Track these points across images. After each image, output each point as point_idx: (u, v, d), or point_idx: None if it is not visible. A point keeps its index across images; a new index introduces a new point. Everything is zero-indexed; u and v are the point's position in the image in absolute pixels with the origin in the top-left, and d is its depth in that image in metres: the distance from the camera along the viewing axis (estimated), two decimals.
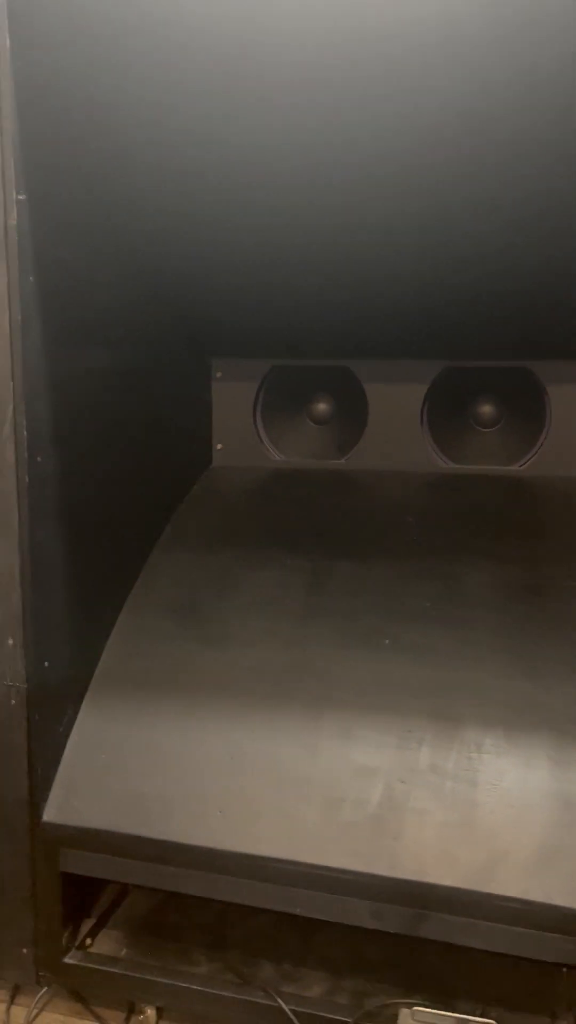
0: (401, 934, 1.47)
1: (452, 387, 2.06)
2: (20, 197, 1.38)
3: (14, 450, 1.45)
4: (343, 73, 1.33)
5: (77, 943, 1.65)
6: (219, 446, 2.24)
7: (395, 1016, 1.42)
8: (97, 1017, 1.61)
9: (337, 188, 1.56)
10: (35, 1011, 1.61)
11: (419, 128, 1.41)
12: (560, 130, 1.38)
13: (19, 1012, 1.62)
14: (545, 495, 1.96)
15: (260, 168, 1.53)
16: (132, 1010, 1.60)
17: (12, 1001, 1.64)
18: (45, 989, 1.63)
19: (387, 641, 1.64)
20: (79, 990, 1.63)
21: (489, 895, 1.35)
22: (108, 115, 1.43)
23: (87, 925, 1.70)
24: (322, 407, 2.20)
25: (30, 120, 1.37)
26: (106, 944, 1.69)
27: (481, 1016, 1.39)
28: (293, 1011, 1.47)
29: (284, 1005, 1.48)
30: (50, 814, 1.56)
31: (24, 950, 1.60)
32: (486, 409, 2.07)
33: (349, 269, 1.80)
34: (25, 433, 1.44)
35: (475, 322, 1.90)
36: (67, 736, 1.62)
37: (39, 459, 1.49)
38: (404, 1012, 1.40)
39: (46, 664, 1.55)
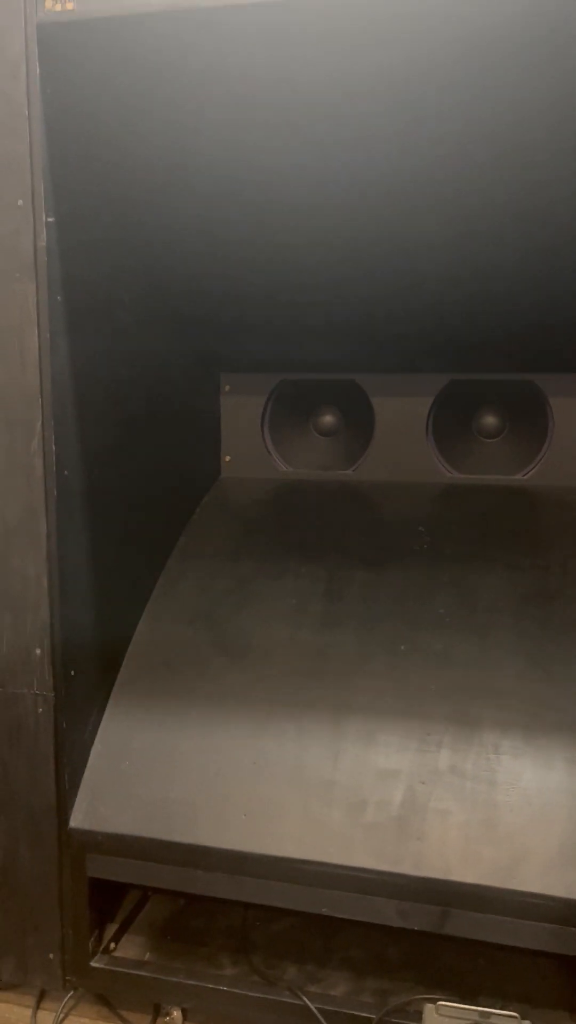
0: (422, 933, 1.52)
1: (457, 399, 2.12)
2: (49, 219, 1.42)
3: (43, 464, 1.48)
4: (350, 109, 1.38)
5: (102, 948, 1.67)
6: (228, 458, 2.28)
7: (419, 1012, 1.46)
8: (124, 1020, 1.63)
9: (345, 211, 1.61)
10: (62, 1015, 1.63)
11: (423, 154, 1.46)
12: (559, 156, 1.43)
13: (45, 1017, 1.65)
14: (548, 504, 2.01)
15: (271, 193, 1.58)
16: (158, 1012, 1.63)
17: (38, 1006, 1.66)
18: (71, 993, 1.65)
19: (404, 647, 1.69)
20: (105, 994, 1.66)
21: (512, 891, 1.39)
22: (133, 142, 1.48)
23: (111, 930, 1.73)
24: (329, 419, 2.25)
25: (58, 147, 1.41)
26: (130, 949, 1.71)
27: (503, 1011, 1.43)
28: (319, 1009, 1.51)
29: (310, 1004, 1.51)
30: (77, 820, 1.59)
31: (51, 955, 1.63)
32: (490, 420, 2.12)
33: (356, 286, 1.85)
34: (54, 447, 1.48)
35: (479, 336, 1.96)
36: (92, 743, 1.65)
37: (66, 473, 1.53)
38: (428, 1007, 1.44)
39: (72, 673, 1.58)
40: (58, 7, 1.33)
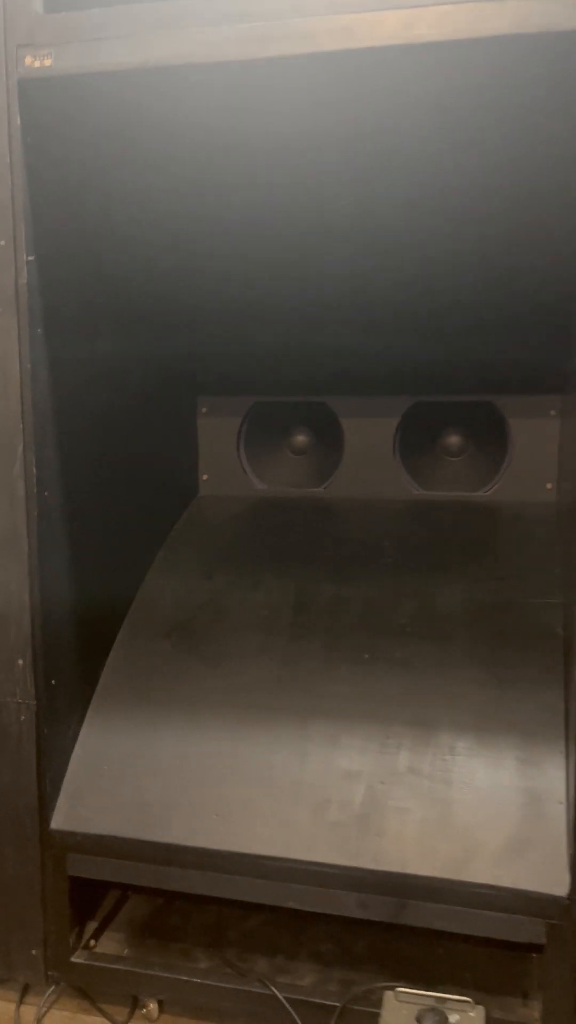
0: (385, 927, 1.61)
1: (421, 420, 2.23)
2: (30, 258, 1.52)
3: (24, 486, 1.58)
4: (312, 155, 1.49)
5: (83, 944, 1.76)
6: (205, 477, 2.38)
7: (380, 999, 1.55)
8: (103, 1012, 1.72)
9: (311, 249, 1.73)
10: (44, 1009, 1.72)
11: (384, 196, 1.58)
12: (512, 203, 1.55)
13: (28, 1011, 1.73)
14: (508, 519, 2.12)
15: (240, 230, 1.69)
16: (135, 1005, 1.71)
17: (22, 1000, 1.75)
18: (53, 988, 1.74)
19: (368, 656, 1.79)
20: (86, 988, 1.74)
21: (464, 883, 1.49)
22: (107, 186, 1.59)
23: (91, 928, 1.81)
24: (301, 439, 2.35)
25: (38, 191, 1.52)
26: (109, 945, 1.80)
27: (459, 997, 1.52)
28: (287, 998, 1.60)
29: (278, 993, 1.60)
30: (58, 822, 1.68)
31: (33, 951, 1.71)
32: (453, 440, 2.24)
33: (324, 317, 1.97)
34: (34, 470, 1.58)
35: (442, 360, 2.07)
36: (72, 749, 1.74)
37: (46, 494, 1.62)
38: (388, 994, 1.53)
39: (53, 682, 1.67)
40: (37, 64, 1.44)
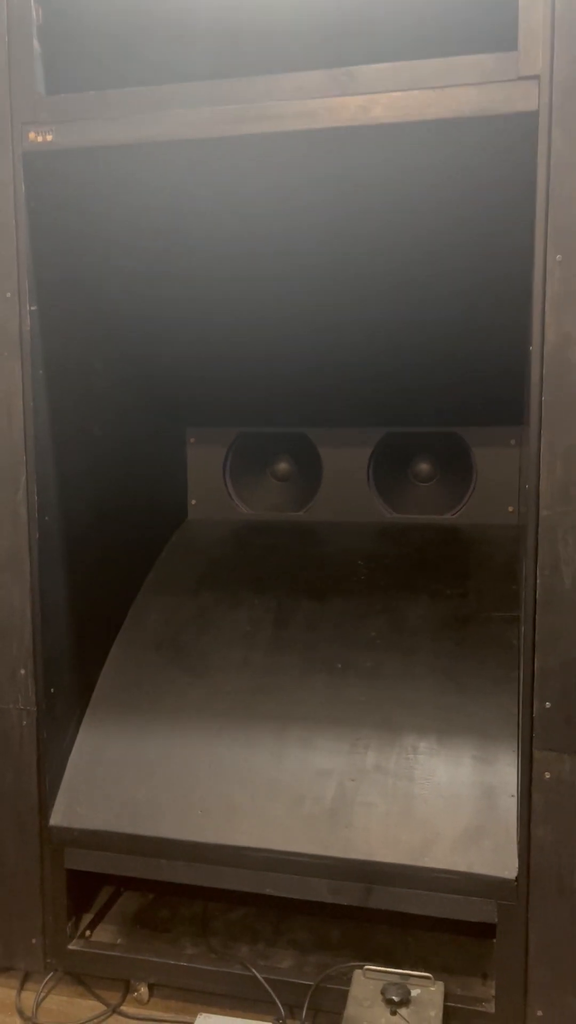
0: (358, 917, 1.77)
1: (393, 449, 2.41)
2: (32, 308, 1.71)
3: (26, 510, 1.75)
4: (283, 219, 1.68)
5: (79, 934, 1.91)
6: (193, 502, 2.56)
7: (350, 979, 1.70)
8: (97, 997, 1.86)
9: (291, 298, 1.91)
10: (43, 994, 1.86)
11: (357, 252, 1.76)
12: (465, 262, 1.74)
13: (28, 996, 1.87)
14: (473, 540, 2.29)
15: (225, 278, 1.88)
16: (128, 989, 1.86)
17: (22, 987, 1.89)
18: (51, 974, 1.88)
19: (340, 665, 1.95)
20: (81, 974, 1.89)
21: (424, 868, 1.65)
22: (102, 242, 1.78)
23: (86, 921, 1.96)
24: (283, 467, 2.53)
25: (40, 249, 1.71)
26: (104, 936, 1.94)
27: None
28: (266, 979, 1.74)
29: (258, 974, 1.75)
30: (56, 819, 1.83)
31: (33, 940, 1.86)
32: (422, 467, 2.41)
33: (304, 355, 2.15)
34: (36, 497, 1.75)
35: (411, 395, 2.25)
36: (70, 752, 1.90)
37: (47, 518, 1.80)
38: (357, 972, 1.68)
39: (52, 691, 1.84)
40: (39, 139, 1.63)
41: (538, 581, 1.54)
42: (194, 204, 1.70)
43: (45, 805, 1.83)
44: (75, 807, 1.84)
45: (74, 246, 1.78)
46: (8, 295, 1.69)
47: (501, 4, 1.45)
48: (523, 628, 1.61)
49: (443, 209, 1.64)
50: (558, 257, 1.47)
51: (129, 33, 1.64)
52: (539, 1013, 1.62)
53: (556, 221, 1.46)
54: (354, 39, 1.56)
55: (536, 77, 1.43)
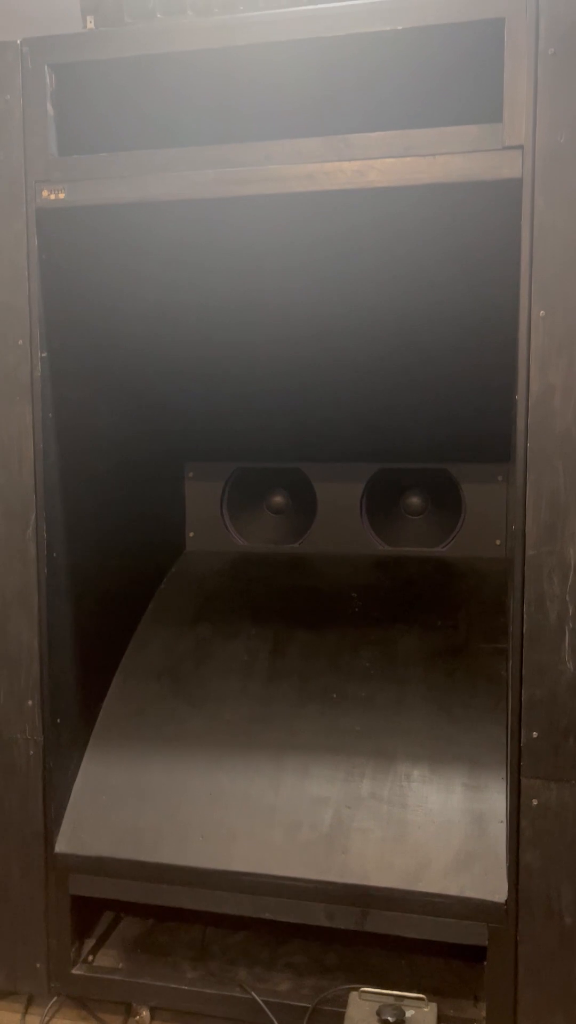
0: (353, 942, 1.83)
1: (385, 484, 2.49)
2: (43, 355, 1.79)
3: (35, 548, 1.83)
4: (288, 271, 1.78)
5: (82, 959, 1.96)
6: (191, 534, 2.63)
7: (346, 1001, 1.76)
8: (100, 1020, 1.91)
9: (287, 343, 2.01)
10: (47, 1018, 1.91)
11: (353, 303, 1.86)
12: (453, 313, 1.84)
13: (33, 1021, 1.92)
14: (462, 572, 2.37)
15: (227, 328, 1.97)
16: (129, 1013, 1.91)
17: (26, 1011, 1.94)
18: (55, 999, 1.93)
19: (335, 695, 2.03)
20: (85, 998, 1.94)
21: (418, 892, 1.71)
22: (109, 293, 1.88)
23: (88, 946, 2.01)
24: (278, 500, 2.61)
25: (51, 299, 1.79)
26: (105, 961, 1.99)
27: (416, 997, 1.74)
28: (265, 1002, 1.80)
29: (256, 997, 1.81)
30: (61, 846, 1.89)
31: (37, 965, 1.91)
32: (413, 501, 2.50)
33: (299, 394, 2.24)
34: (45, 535, 1.82)
35: (403, 433, 2.35)
36: (74, 780, 1.96)
37: (54, 554, 1.87)
38: (353, 994, 1.74)
39: (58, 721, 1.90)
40: (52, 197, 1.72)
41: (525, 617, 1.62)
42: (197, 257, 1.79)
43: (50, 832, 1.88)
44: (79, 834, 1.90)
45: (82, 295, 1.87)
46: (20, 342, 1.77)
47: (487, 77, 1.55)
48: (511, 661, 1.69)
49: (433, 264, 1.74)
50: (541, 313, 1.56)
51: (136, 97, 1.74)
52: None
53: (539, 279, 1.56)
54: (349, 106, 1.66)
55: (520, 147, 1.53)
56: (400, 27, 1.54)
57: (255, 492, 2.61)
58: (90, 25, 1.68)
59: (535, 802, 1.64)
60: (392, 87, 1.62)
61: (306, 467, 2.53)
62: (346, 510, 2.51)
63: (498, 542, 2.40)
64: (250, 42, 1.60)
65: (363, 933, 1.83)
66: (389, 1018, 1.65)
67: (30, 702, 1.86)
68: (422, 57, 1.57)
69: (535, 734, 1.63)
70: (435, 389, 2.17)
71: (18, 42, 1.69)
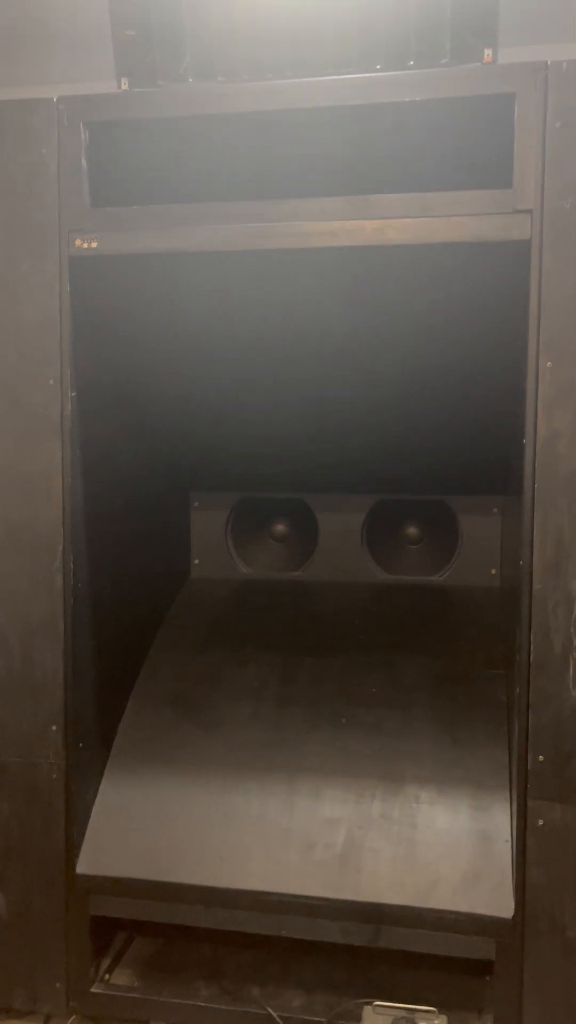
0: (361, 958, 1.90)
1: (385, 514, 2.60)
2: (72, 394, 1.87)
3: (62, 579, 1.90)
4: (306, 319, 1.88)
5: (99, 977, 2.01)
6: (197, 561, 2.71)
7: (360, 1015, 1.84)
8: None
9: (295, 383, 2.11)
10: None
11: (363, 347, 1.97)
12: (459, 357, 1.96)
13: None
14: (460, 600, 2.48)
15: (240, 369, 2.07)
16: None
17: None
18: (73, 1017, 1.99)
19: (344, 720, 2.11)
20: (102, 1016, 1.99)
21: (429, 909, 1.80)
22: (134, 338, 1.97)
23: (104, 964, 2.07)
24: (281, 530, 2.71)
25: (81, 342, 1.88)
26: (121, 979, 2.05)
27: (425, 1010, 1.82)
28: (280, 1016, 1.87)
29: (273, 1012, 1.88)
30: (82, 867, 1.95)
31: (57, 984, 1.96)
32: (412, 532, 2.61)
33: (302, 429, 2.34)
34: (71, 566, 1.90)
35: (402, 466, 2.45)
36: (93, 803, 2.02)
37: (79, 585, 1.94)
38: (367, 1008, 1.82)
39: (80, 745, 1.97)
40: (85, 245, 1.81)
41: (531, 647, 1.72)
42: (219, 304, 1.89)
43: (71, 854, 1.95)
44: (100, 855, 1.96)
45: (109, 338, 1.95)
46: (51, 382, 1.86)
47: (499, 146, 1.68)
48: (518, 689, 1.79)
49: (442, 314, 1.86)
50: (548, 364, 1.68)
51: (167, 153, 1.84)
52: None
53: (547, 333, 1.68)
54: (371, 168, 1.77)
55: (529, 211, 1.65)
56: (419, 98, 1.66)
57: (259, 521, 2.70)
58: (124, 86, 1.78)
59: (541, 822, 1.74)
60: (411, 152, 1.73)
61: (309, 498, 2.63)
62: (347, 539, 2.61)
63: (494, 571, 2.51)
64: (277, 108, 1.71)
65: (368, 950, 1.91)
66: None
67: (54, 727, 1.92)
68: (440, 125, 1.69)
69: (541, 758, 1.74)
70: (435, 426, 2.27)
71: (54, 99, 1.79)
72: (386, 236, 1.70)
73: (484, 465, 2.38)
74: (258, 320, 1.93)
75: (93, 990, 1.97)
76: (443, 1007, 1.94)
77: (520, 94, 1.63)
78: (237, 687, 2.24)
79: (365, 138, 1.73)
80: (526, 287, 1.68)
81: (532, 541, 1.71)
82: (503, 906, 1.78)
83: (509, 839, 1.84)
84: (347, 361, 2.05)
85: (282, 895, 1.86)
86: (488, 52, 1.66)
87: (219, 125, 1.76)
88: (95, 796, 2.03)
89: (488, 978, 2.00)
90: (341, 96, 1.69)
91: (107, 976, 2.04)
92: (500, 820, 1.88)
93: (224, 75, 1.76)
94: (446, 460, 2.40)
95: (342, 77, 1.69)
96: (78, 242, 1.81)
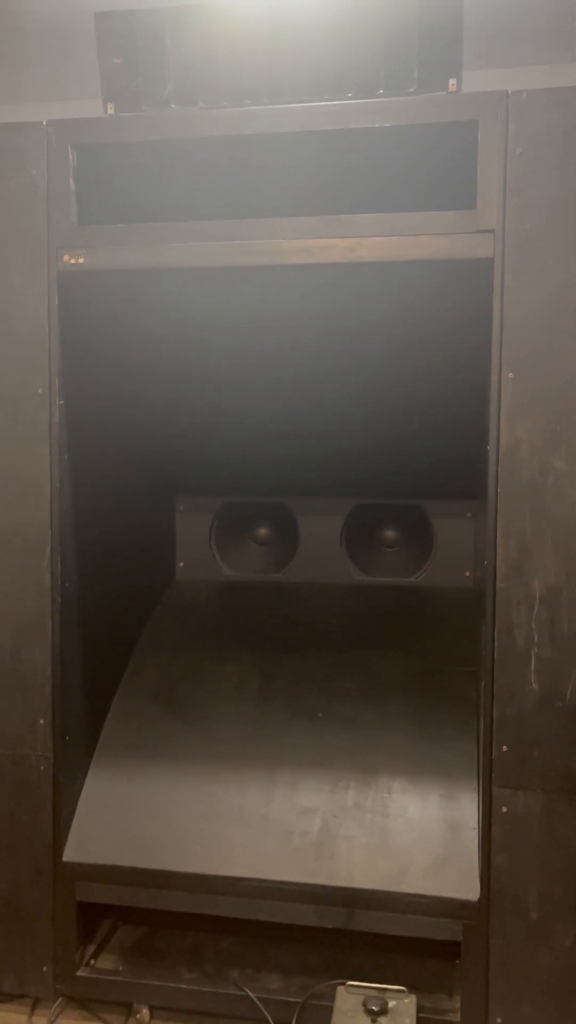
0: (337, 944, 1.99)
1: (363, 518, 2.70)
2: (60, 402, 1.96)
3: (50, 578, 1.99)
4: (283, 331, 1.98)
5: (84, 962, 2.10)
6: (181, 564, 2.80)
7: (334, 995, 1.92)
8: (102, 1020, 2.05)
9: (274, 392, 2.21)
10: (53, 1018, 2.04)
11: (340, 357, 2.07)
12: (427, 371, 2.06)
13: (39, 1022, 2.05)
14: (434, 600, 2.58)
15: (222, 380, 2.17)
16: (130, 1012, 2.05)
17: (33, 1012, 2.07)
18: (60, 1000, 2.07)
19: (321, 715, 2.21)
20: (88, 999, 2.07)
21: (399, 893, 1.89)
22: (120, 348, 2.06)
23: (90, 950, 2.15)
24: (263, 533, 2.80)
25: (68, 353, 1.97)
26: (106, 964, 2.13)
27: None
28: (258, 998, 1.96)
29: (251, 994, 1.97)
30: (69, 855, 2.03)
31: (44, 968, 2.05)
32: (389, 535, 2.71)
33: (284, 436, 2.44)
34: (59, 566, 1.99)
35: (379, 472, 2.55)
36: (79, 794, 2.11)
37: (67, 584, 2.03)
38: (340, 988, 1.91)
39: (67, 738, 2.05)
40: (72, 261, 1.90)
41: (495, 643, 1.82)
42: (201, 317, 1.99)
43: (58, 843, 2.03)
44: (86, 844, 2.05)
45: (96, 348, 2.05)
46: (40, 391, 1.95)
47: (463, 170, 1.78)
48: (483, 683, 1.88)
49: (413, 327, 1.96)
50: (510, 375, 1.78)
51: (150, 174, 1.93)
52: (499, 1020, 1.87)
53: (508, 345, 1.78)
54: (343, 189, 1.87)
55: (492, 231, 1.75)
56: (388, 124, 1.76)
57: (241, 525, 2.79)
58: (110, 111, 1.87)
59: (504, 809, 1.84)
60: (381, 175, 1.83)
61: (290, 502, 2.72)
62: (326, 542, 2.70)
63: (467, 573, 2.61)
64: (254, 132, 1.81)
65: (345, 937, 2.00)
66: (374, 1008, 1.82)
67: (42, 721, 2.01)
68: (406, 150, 1.79)
69: (505, 748, 1.83)
70: (409, 434, 2.38)
71: (44, 123, 1.88)
72: (357, 254, 1.80)
73: (457, 471, 2.48)
74: (238, 332, 2.03)
75: (79, 974, 2.05)
76: (416, 989, 2.03)
77: (483, 122, 1.74)
78: (219, 684, 2.33)
79: (337, 161, 1.83)
80: (489, 303, 1.78)
81: (496, 542, 1.81)
82: (470, 889, 1.87)
83: (475, 826, 1.93)
84: (325, 372, 2.15)
85: (260, 880, 1.95)
86: (452, 82, 1.77)
87: (200, 148, 1.85)
88: (81, 787, 2.12)
89: (458, 962, 2.09)
90: (315, 122, 1.79)
91: (92, 961, 2.12)
92: (468, 808, 1.98)
93: (205, 101, 1.85)
94: (421, 466, 2.50)
95: (315, 104, 1.79)
96: (66, 258, 1.90)
